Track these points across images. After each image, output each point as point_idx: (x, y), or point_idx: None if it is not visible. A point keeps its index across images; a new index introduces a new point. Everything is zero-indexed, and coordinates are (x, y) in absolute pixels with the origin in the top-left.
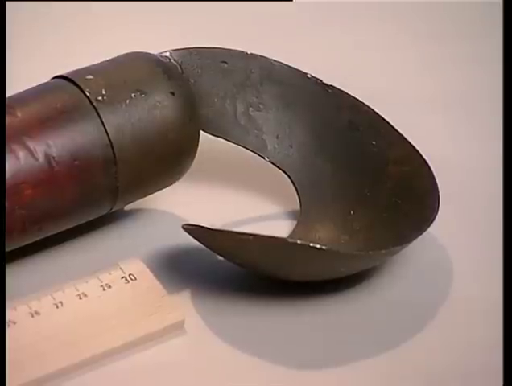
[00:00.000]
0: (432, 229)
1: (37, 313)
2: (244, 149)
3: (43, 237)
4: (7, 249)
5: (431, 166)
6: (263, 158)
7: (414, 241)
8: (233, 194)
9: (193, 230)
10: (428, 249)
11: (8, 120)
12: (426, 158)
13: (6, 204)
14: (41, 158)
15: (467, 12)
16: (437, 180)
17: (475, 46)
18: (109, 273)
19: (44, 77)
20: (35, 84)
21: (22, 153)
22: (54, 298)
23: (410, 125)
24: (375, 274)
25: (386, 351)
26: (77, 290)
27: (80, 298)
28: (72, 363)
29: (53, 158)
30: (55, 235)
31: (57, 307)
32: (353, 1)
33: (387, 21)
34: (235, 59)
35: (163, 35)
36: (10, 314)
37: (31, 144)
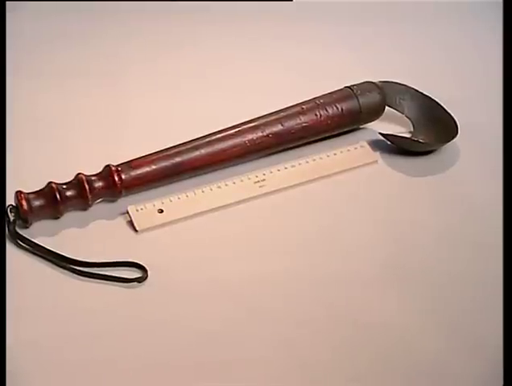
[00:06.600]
0: (456, 140)
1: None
2: (397, 112)
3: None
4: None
5: (457, 122)
6: (402, 113)
7: (451, 142)
8: (392, 126)
9: (384, 134)
10: (454, 147)
11: (325, 99)
12: (457, 120)
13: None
14: (330, 111)
15: None
16: (459, 126)
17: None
18: (350, 145)
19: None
20: (331, 90)
21: (322, 112)
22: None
23: (454, 106)
24: (438, 153)
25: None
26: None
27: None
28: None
29: (339, 109)
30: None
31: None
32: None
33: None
34: (396, 85)
35: (375, 74)
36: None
37: (329, 108)
